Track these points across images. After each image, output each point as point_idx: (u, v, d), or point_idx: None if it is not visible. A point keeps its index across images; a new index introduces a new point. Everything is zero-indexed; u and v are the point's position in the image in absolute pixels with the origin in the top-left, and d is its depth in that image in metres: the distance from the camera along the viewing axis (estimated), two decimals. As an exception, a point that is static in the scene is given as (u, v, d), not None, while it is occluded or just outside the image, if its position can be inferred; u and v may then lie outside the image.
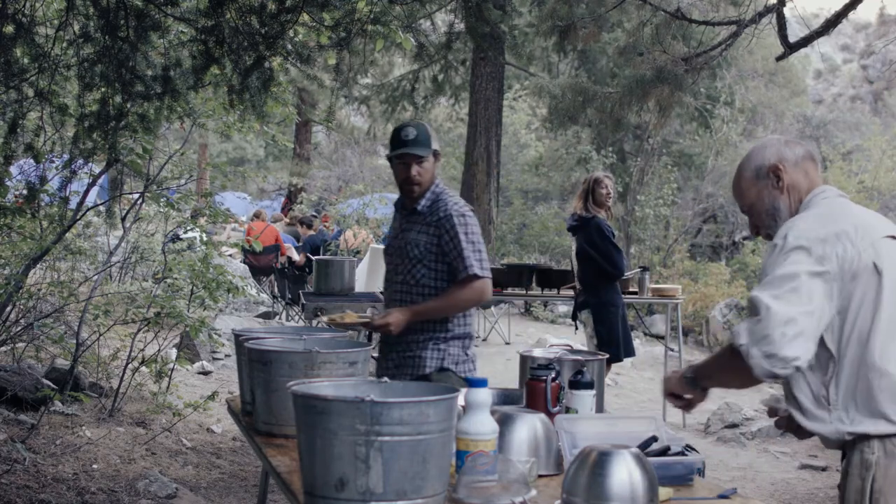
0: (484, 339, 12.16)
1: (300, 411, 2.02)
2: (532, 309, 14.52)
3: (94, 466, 4.92)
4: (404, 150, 3.53)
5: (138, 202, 6.39)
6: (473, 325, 3.66)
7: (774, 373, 2.14)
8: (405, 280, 3.57)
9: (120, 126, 4.77)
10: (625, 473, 1.93)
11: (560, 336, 11.40)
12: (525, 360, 3.17)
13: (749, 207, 2.47)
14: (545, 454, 2.45)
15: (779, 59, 9.29)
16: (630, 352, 6.23)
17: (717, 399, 8.77)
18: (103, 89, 4.73)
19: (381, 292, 5.28)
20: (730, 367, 2.28)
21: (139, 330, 6.12)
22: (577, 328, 6.38)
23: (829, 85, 47.83)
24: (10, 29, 4.50)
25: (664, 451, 2.47)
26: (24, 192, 5.21)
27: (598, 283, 6.09)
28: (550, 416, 2.63)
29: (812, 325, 2.16)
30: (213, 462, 5.52)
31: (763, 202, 2.44)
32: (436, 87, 17.80)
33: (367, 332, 5.15)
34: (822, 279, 2.19)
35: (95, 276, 6.47)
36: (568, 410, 2.77)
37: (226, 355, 8.33)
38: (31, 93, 4.82)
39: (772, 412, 2.53)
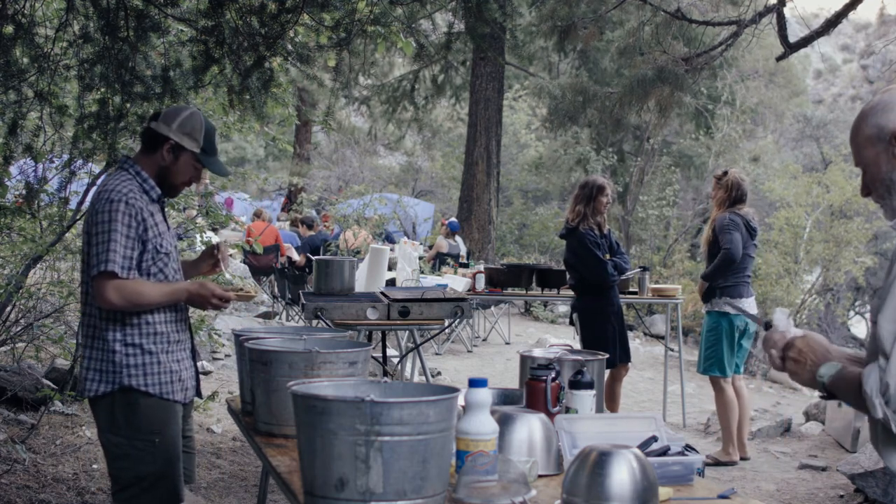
0: (484, 339, 12.17)
1: (300, 411, 2.02)
2: (532, 309, 14.53)
3: (94, 466, 4.92)
4: (214, 162, 3.27)
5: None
6: None
7: None
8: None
9: (119, 126, 4.76)
10: (625, 473, 1.92)
11: (560, 336, 11.41)
12: (525, 360, 3.16)
13: (863, 167, 2.02)
14: (545, 454, 2.45)
15: (779, 59, 9.30)
16: (624, 358, 6.19)
17: (717, 399, 8.77)
18: (103, 90, 4.73)
19: (382, 293, 5.28)
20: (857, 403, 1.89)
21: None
22: (577, 331, 6.38)
23: (829, 85, 47.90)
24: (9, 29, 4.50)
25: (664, 451, 2.47)
26: (24, 192, 5.21)
27: (585, 289, 6.09)
28: (550, 416, 2.63)
29: None
30: (213, 462, 5.52)
31: (879, 169, 1.97)
32: (436, 88, 17.84)
33: (367, 332, 5.15)
34: None
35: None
36: (568, 410, 2.77)
37: (226, 355, 8.33)
38: (30, 93, 4.82)
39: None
